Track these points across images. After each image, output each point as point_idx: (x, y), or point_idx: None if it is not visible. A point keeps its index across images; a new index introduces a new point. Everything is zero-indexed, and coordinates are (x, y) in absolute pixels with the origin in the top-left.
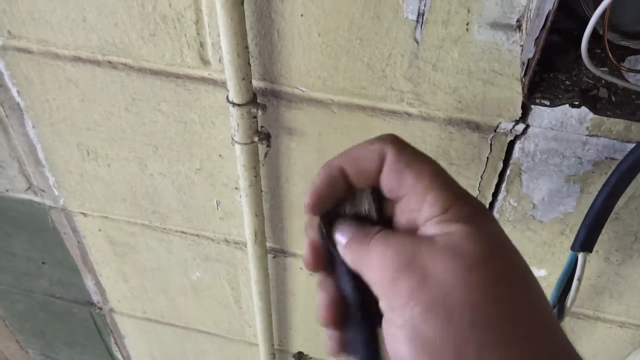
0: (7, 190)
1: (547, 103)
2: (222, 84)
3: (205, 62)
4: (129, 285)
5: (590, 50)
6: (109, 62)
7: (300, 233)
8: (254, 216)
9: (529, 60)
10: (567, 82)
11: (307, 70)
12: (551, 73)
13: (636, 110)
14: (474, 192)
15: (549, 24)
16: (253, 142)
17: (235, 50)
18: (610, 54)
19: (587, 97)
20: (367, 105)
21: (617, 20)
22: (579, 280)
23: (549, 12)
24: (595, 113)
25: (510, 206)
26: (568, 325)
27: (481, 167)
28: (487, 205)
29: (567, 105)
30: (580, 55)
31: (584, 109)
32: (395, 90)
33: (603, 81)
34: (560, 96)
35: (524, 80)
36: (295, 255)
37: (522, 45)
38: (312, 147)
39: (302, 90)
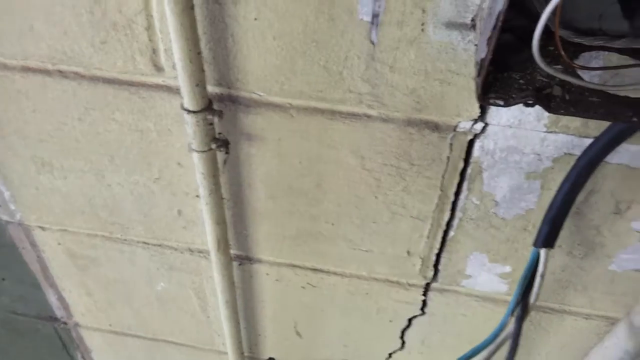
0: None
1: (501, 103)
2: (177, 91)
3: (158, 68)
4: (93, 299)
5: (544, 48)
6: (60, 71)
7: (266, 239)
8: (216, 224)
9: (482, 60)
10: (521, 81)
11: (264, 74)
12: (505, 72)
13: (590, 108)
14: (436, 192)
15: (499, 23)
16: (211, 149)
17: (187, 56)
18: (562, 52)
19: (541, 96)
20: (326, 108)
21: (570, 17)
22: (542, 276)
23: (500, 12)
24: (549, 111)
25: (473, 204)
26: (535, 319)
27: (442, 167)
28: (450, 205)
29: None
30: None
31: None
32: (354, 92)
33: (557, 79)
34: (514, 95)
35: (477, 80)
36: (261, 262)
37: (476, 45)
38: (272, 152)
39: (260, 95)
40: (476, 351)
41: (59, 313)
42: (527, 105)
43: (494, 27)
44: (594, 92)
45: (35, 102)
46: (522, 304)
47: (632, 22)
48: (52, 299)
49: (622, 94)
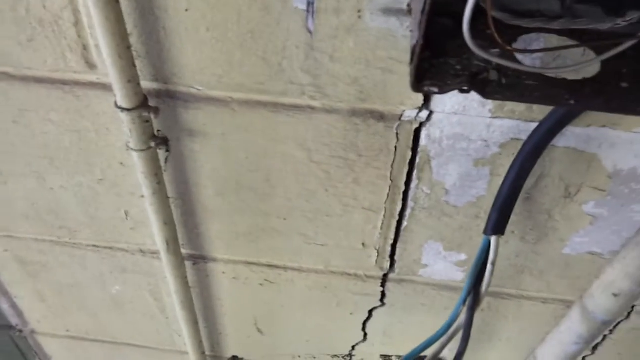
0: None
1: (436, 90)
2: (112, 88)
3: (91, 65)
4: (47, 305)
5: (482, 32)
6: None
7: (219, 237)
8: (164, 224)
9: (413, 46)
10: (458, 67)
11: (200, 67)
12: (442, 58)
13: (526, 91)
14: (387, 183)
15: (428, 7)
16: (150, 147)
17: (116, 51)
18: (496, 35)
19: (477, 81)
20: (268, 101)
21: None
22: (493, 264)
23: None
24: (484, 97)
25: (424, 193)
26: (493, 305)
27: (390, 157)
28: (401, 195)
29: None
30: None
31: None
32: (295, 83)
33: (494, 63)
34: (449, 82)
35: (410, 67)
36: (216, 260)
37: (412, 31)
38: (217, 148)
39: (198, 89)
40: (429, 343)
41: (14, 321)
42: (461, 91)
43: (423, 11)
44: (531, 75)
45: None
46: (474, 293)
47: (563, 2)
48: (5, 307)
49: (560, 76)
